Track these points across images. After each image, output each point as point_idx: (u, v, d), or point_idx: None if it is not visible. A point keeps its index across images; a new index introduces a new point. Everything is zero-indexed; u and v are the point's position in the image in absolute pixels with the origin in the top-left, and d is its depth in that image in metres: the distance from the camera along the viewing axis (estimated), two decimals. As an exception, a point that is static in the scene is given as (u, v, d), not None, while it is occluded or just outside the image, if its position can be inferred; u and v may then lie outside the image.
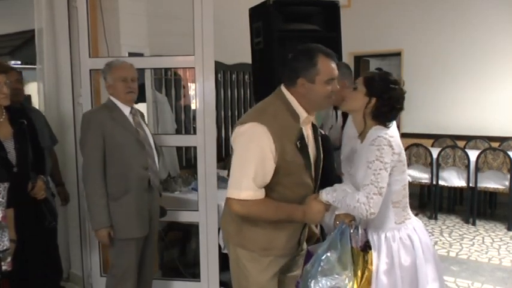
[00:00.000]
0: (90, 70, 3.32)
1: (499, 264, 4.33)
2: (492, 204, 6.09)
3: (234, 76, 5.60)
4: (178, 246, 4.33)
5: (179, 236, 4.34)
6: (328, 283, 1.88)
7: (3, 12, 6.06)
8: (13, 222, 2.35)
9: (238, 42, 4.14)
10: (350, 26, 5.61)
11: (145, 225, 2.78)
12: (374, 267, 1.92)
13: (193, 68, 3.22)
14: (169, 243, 4.12)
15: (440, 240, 5.04)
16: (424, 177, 5.86)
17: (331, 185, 2.04)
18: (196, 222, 3.35)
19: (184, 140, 4.03)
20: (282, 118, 1.89)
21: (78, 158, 3.28)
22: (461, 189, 6.01)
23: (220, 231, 2.88)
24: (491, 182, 5.47)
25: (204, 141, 3.22)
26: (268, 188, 1.89)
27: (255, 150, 1.82)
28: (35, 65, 3.82)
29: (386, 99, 1.94)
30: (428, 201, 6.20)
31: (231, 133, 2.02)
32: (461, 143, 6.32)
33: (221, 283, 3.33)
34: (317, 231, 2.55)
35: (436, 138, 6.73)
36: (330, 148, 2.52)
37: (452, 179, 5.69)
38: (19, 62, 5.83)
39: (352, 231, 1.96)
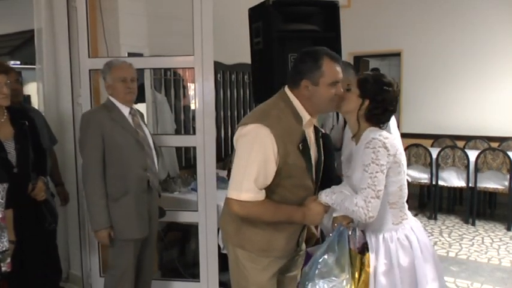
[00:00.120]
0: (90, 70, 3.32)
1: (499, 265, 4.33)
2: (492, 204, 6.09)
3: (233, 76, 5.60)
4: (177, 247, 4.33)
5: (178, 237, 4.34)
6: (326, 285, 1.88)
7: (2, 12, 6.05)
8: (12, 223, 2.35)
9: (237, 42, 4.13)
10: (350, 26, 5.63)
11: (144, 227, 2.78)
12: (371, 269, 1.92)
13: (193, 68, 3.21)
14: (169, 243, 4.12)
15: (440, 240, 5.04)
16: (423, 177, 5.87)
17: (331, 184, 2.04)
18: (195, 223, 3.35)
19: (183, 140, 4.02)
20: (286, 120, 1.89)
21: (77, 158, 3.27)
22: (460, 189, 6.01)
23: (220, 232, 2.88)
24: (490, 182, 5.48)
25: (203, 141, 3.22)
26: (269, 190, 1.88)
27: (258, 152, 1.82)
28: (34, 65, 3.81)
29: (379, 101, 1.93)
30: (428, 201, 6.20)
31: (231, 133, 2.02)
32: (460, 143, 6.32)
33: (220, 283, 3.33)
34: (316, 232, 2.55)
35: (436, 138, 6.73)
36: (330, 147, 2.52)
37: (452, 179, 5.69)
38: (18, 62, 5.83)
39: (350, 233, 1.96)
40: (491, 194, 5.97)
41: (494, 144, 6.10)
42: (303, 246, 2.24)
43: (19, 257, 2.54)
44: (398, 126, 2.70)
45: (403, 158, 2.49)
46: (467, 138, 6.49)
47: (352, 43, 6.36)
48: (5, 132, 2.65)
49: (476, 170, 5.46)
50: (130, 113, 2.77)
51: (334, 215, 1.99)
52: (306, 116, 1.93)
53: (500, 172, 5.36)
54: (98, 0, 3.48)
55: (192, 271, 3.69)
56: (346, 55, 6.94)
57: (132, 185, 2.69)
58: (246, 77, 5.77)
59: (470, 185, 5.55)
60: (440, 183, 5.77)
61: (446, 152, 5.68)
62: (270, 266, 2.02)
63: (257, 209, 1.85)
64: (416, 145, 5.89)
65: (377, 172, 1.81)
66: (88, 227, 3.32)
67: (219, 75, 5.25)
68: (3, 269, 2.24)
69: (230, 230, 2.07)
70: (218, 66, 4.80)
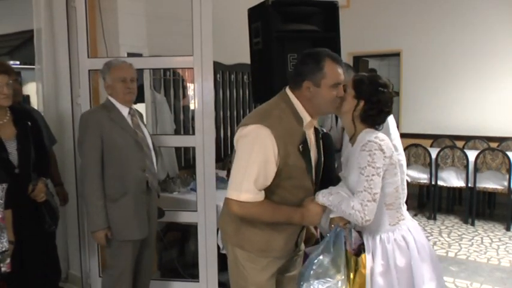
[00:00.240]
0: (89, 70, 3.32)
1: (498, 265, 4.33)
2: (491, 204, 6.09)
3: (232, 76, 5.60)
4: (177, 247, 4.33)
5: (178, 237, 4.34)
6: (320, 286, 1.88)
7: (2, 13, 6.05)
8: (11, 224, 2.35)
9: (237, 43, 4.13)
10: (349, 26, 5.62)
11: (143, 227, 2.77)
12: (368, 270, 1.92)
13: (192, 68, 3.21)
14: (168, 243, 4.12)
15: (439, 240, 5.04)
16: (423, 177, 5.87)
17: (331, 184, 2.04)
18: (195, 223, 3.35)
19: (183, 141, 4.03)
20: (286, 121, 1.89)
21: (76, 158, 3.28)
22: (460, 189, 6.01)
23: (219, 232, 2.88)
24: (490, 182, 5.48)
25: (202, 141, 3.22)
26: (269, 191, 1.89)
27: (258, 153, 1.82)
28: (33, 65, 3.81)
29: (374, 102, 1.93)
30: (427, 201, 6.20)
31: (230, 133, 2.02)
32: (460, 143, 6.32)
33: (220, 283, 3.33)
34: (315, 232, 2.55)
35: (435, 138, 6.73)
36: (331, 147, 2.52)
37: (451, 179, 5.69)
38: (18, 62, 5.82)
39: (346, 234, 1.96)
40: (491, 194, 5.98)
41: (494, 145, 6.11)
42: (302, 246, 2.24)
43: (18, 257, 2.54)
44: (397, 127, 2.70)
45: (402, 158, 2.49)
46: (467, 139, 6.49)
47: (351, 43, 6.36)
48: (7, 132, 2.65)
49: (476, 170, 5.46)
50: (129, 113, 2.77)
51: (331, 216, 1.99)
52: (306, 117, 1.93)
53: (500, 172, 5.36)
54: (97, 0, 3.47)
55: (191, 271, 3.70)
56: (346, 55, 6.94)
57: (131, 185, 2.69)
58: (245, 77, 5.77)
59: (469, 185, 5.55)
60: (440, 183, 5.77)
61: (446, 152, 5.68)
62: (269, 266, 2.03)
63: (256, 209, 1.85)
64: (415, 145, 5.89)
65: (373, 175, 1.81)
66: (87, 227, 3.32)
67: (218, 76, 5.26)
68: (2, 269, 2.24)
69: (229, 230, 2.07)
70: (217, 67, 4.81)
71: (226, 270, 2.18)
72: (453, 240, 5.05)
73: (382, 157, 1.83)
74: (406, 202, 2.36)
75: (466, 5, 6.52)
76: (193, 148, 3.33)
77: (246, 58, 3.32)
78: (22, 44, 6.10)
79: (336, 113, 2.20)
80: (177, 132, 4.75)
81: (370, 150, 1.83)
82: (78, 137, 2.74)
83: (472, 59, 6.52)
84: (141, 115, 2.96)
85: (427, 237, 5.02)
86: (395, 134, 2.52)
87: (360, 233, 2.00)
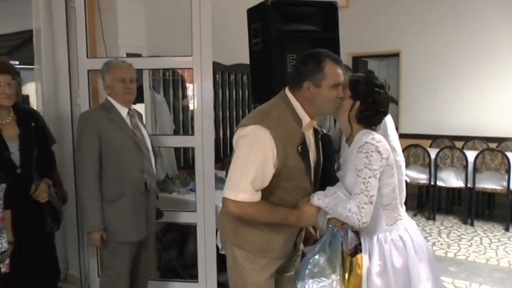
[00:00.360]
0: (88, 70, 3.31)
1: (497, 265, 4.34)
2: (490, 204, 6.09)
3: (232, 77, 5.60)
4: (176, 247, 4.33)
5: (177, 237, 4.33)
6: (315, 285, 1.89)
7: (1, 13, 6.05)
8: (10, 224, 2.35)
9: (236, 43, 4.13)
10: (348, 26, 5.61)
11: (141, 229, 2.76)
12: (365, 270, 1.92)
13: (191, 68, 3.21)
14: (167, 244, 4.11)
15: (439, 241, 5.04)
16: (422, 177, 5.87)
17: (330, 185, 2.04)
18: (194, 223, 3.35)
19: (182, 141, 4.02)
20: (286, 122, 1.89)
21: (76, 158, 3.27)
22: (459, 189, 6.01)
23: (218, 232, 2.88)
24: (489, 183, 5.48)
25: (202, 142, 3.22)
26: (268, 191, 1.89)
27: (257, 154, 1.82)
28: (33, 65, 3.80)
29: (370, 103, 1.93)
30: (427, 201, 6.20)
31: (230, 134, 2.02)
32: (459, 144, 6.32)
33: (219, 284, 3.33)
34: (314, 232, 2.55)
35: (434, 138, 6.73)
36: (331, 148, 2.52)
37: (451, 179, 5.69)
38: (17, 62, 5.81)
39: (343, 234, 1.96)
40: (490, 195, 5.98)
41: (493, 145, 6.11)
42: (301, 246, 2.24)
43: (19, 258, 2.54)
44: (396, 127, 2.70)
45: (401, 159, 2.49)
46: (466, 139, 6.49)
47: (350, 43, 6.37)
48: (10, 132, 2.64)
49: (475, 170, 5.46)
50: (128, 113, 2.75)
51: (329, 216, 1.99)
52: (306, 118, 1.94)
53: (499, 172, 5.37)
54: (97, 0, 3.47)
55: (190, 271, 3.69)
56: (345, 55, 6.94)
57: (129, 187, 2.68)
58: (244, 77, 5.77)
59: (468, 185, 5.55)
60: (439, 183, 5.77)
61: (445, 152, 5.68)
62: (267, 266, 2.03)
63: (252, 209, 1.86)
64: (414, 145, 5.89)
65: (370, 177, 1.81)
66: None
67: (217, 76, 5.26)
68: (2, 270, 2.24)
69: (228, 231, 2.07)
70: (217, 67, 4.81)
71: (225, 270, 2.18)
72: (452, 240, 5.05)
73: (379, 159, 1.83)
74: (406, 202, 2.36)
75: (466, 5, 6.52)
76: (193, 148, 3.33)
77: (245, 58, 3.32)
78: (21, 44, 6.10)
79: (334, 115, 2.20)
80: (176, 132, 4.75)
81: (367, 152, 1.83)
82: (77, 137, 2.74)
83: (472, 59, 6.52)
84: (140, 115, 2.96)
85: (426, 237, 5.06)
86: (393, 135, 2.52)
87: (357, 233, 2.00)
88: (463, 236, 5.19)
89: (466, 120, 6.59)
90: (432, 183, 5.78)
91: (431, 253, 2.08)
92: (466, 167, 5.51)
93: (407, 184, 5.88)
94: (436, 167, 5.71)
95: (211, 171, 3.25)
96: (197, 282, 3.37)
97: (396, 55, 7.25)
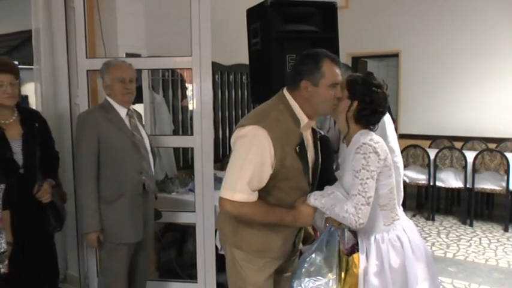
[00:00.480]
0: (87, 71, 3.31)
1: (496, 265, 4.34)
2: (489, 205, 6.10)
3: (231, 77, 5.60)
4: (175, 247, 4.32)
5: (176, 237, 4.33)
6: (311, 284, 1.89)
7: (0, 13, 6.04)
8: (9, 225, 2.34)
9: (235, 43, 4.13)
10: (348, 26, 5.62)
11: (138, 231, 2.75)
12: (361, 270, 1.92)
13: (191, 68, 3.21)
14: (167, 244, 4.11)
15: (438, 241, 5.04)
16: (421, 178, 5.87)
17: (329, 185, 2.04)
18: (193, 223, 3.35)
19: (181, 141, 4.02)
20: (284, 122, 1.89)
21: (74, 158, 3.26)
22: (458, 190, 6.02)
23: (217, 233, 2.88)
24: (488, 183, 5.48)
25: (201, 142, 3.22)
26: (265, 192, 1.89)
27: (254, 154, 1.82)
28: (32, 65, 3.80)
29: (368, 103, 1.93)
30: (426, 202, 6.21)
31: (229, 134, 2.02)
32: (458, 144, 6.33)
33: (218, 284, 3.33)
34: (313, 232, 2.55)
35: (434, 139, 6.74)
36: (329, 149, 2.52)
37: (450, 180, 5.70)
38: (16, 63, 5.80)
39: (340, 233, 1.96)
40: (489, 195, 5.98)
41: (492, 145, 6.12)
42: (300, 246, 2.24)
43: (20, 258, 2.53)
44: (396, 128, 2.69)
45: (399, 160, 2.49)
46: (465, 139, 6.49)
47: (350, 44, 6.38)
48: (13, 132, 2.64)
49: (474, 170, 5.46)
50: (127, 114, 2.74)
51: (326, 215, 1.99)
52: (304, 119, 1.94)
53: (498, 173, 5.37)
54: (96, 0, 3.47)
55: (189, 272, 3.69)
56: (344, 56, 6.95)
57: (127, 188, 2.67)
58: (244, 77, 5.77)
59: (467, 185, 5.56)
60: (438, 184, 5.77)
61: (444, 152, 5.69)
62: (266, 266, 2.03)
63: (249, 209, 1.86)
64: (414, 146, 5.89)
65: (367, 178, 1.81)
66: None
67: (217, 76, 5.26)
68: (2, 270, 2.24)
69: (227, 231, 2.07)
70: (216, 67, 4.81)
71: (224, 270, 2.18)
72: (451, 241, 5.06)
73: (376, 160, 1.83)
74: (405, 203, 2.36)
75: (466, 5, 6.52)
76: (192, 149, 3.33)
77: (244, 59, 3.32)
78: (20, 44, 6.09)
79: (332, 116, 2.19)
80: (175, 132, 4.74)
81: (365, 153, 1.83)
82: (75, 137, 2.74)
83: (471, 59, 6.52)
84: (140, 116, 2.95)
85: (425, 237, 5.06)
86: (392, 135, 2.51)
87: (354, 233, 2.00)
88: (462, 237, 5.19)
89: (465, 120, 6.59)
90: (431, 183, 5.78)
91: (429, 253, 2.08)
92: (465, 167, 5.51)
93: (406, 184, 5.92)
94: (436, 167, 5.72)
95: (210, 172, 3.25)
96: (196, 282, 3.37)
97: (396, 55, 7.25)
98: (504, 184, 5.34)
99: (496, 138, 6.30)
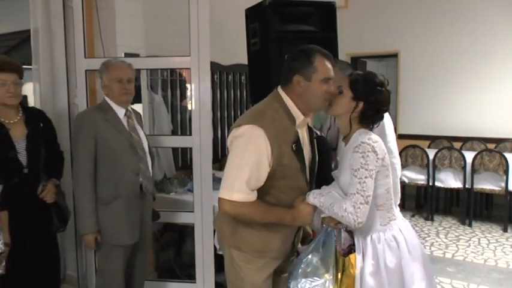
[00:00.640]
0: (86, 71, 3.30)
1: (495, 266, 4.34)
2: (488, 205, 6.09)
3: (230, 77, 5.59)
4: (173, 248, 4.31)
5: (175, 237, 4.32)
6: (308, 284, 1.89)
7: (-1, 12, 6.04)
8: (7, 225, 2.34)
9: (234, 43, 4.13)
10: (347, 26, 5.62)
11: (134, 233, 2.73)
12: (358, 270, 1.92)
13: (189, 68, 3.21)
14: (165, 244, 4.11)
15: (437, 241, 5.04)
16: (420, 178, 5.87)
17: (327, 184, 2.04)
18: (192, 224, 3.34)
19: (180, 141, 4.02)
20: (280, 120, 1.89)
21: (72, 159, 3.26)
22: (457, 190, 6.02)
23: (216, 233, 2.87)
24: (487, 184, 5.48)
25: (199, 142, 3.22)
26: (263, 191, 1.89)
27: (251, 153, 1.82)
28: (30, 65, 3.79)
29: (372, 102, 1.92)
30: (425, 202, 6.20)
31: (227, 134, 2.02)
32: (457, 145, 6.33)
33: (216, 284, 3.32)
34: (311, 232, 2.55)
35: (433, 139, 6.74)
36: (327, 149, 2.51)
37: (449, 180, 5.70)
38: (18, 62, 5.79)
39: (336, 234, 1.96)
40: (488, 195, 5.98)
41: (491, 146, 6.12)
42: (299, 246, 2.24)
43: (22, 258, 2.53)
44: (395, 128, 2.69)
45: (397, 161, 2.49)
46: (464, 140, 6.50)
47: (349, 44, 6.37)
48: (18, 131, 2.63)
49: (473, 171, 5.46)
50: (125, 114, 2.73)
51: (323, 215, 1.99)
52: (299, 116, 1.94)
53: (497, 173, 5.37)
54: (95, 0, 3.46)
55: (188, 272, 3.69)
56: (344, 56, 6.94)
57: (124, 189, 2.65)
58: (242, 77, 5.76)
59: (467, 186, 5.56)
60: (437, 184, 5.77)
61: (443, 153, 5.69)
62: (265, 266, 2.03)
63: (247, 209, 1.86)
64: (413, 146, 5.89)
65: (366, 177, 1.81)
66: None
67: (215, 76, 5.26)
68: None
69: (226, 231, 2.07)
70: (215, 67, 4.80)
71: (223, 270, 2.18)
72: (450, 241, 5.05)
73: (375, 159, 1.83)
74: (404, 203, 2.36)
75: (465, 6, 6.52)
76: (191, 149, 3.33)
77: (243, 59, 3.32)
78: (19, 44, 6.07)
79: (326, 111, 2.17)
80: (174, 132, 4.74)
81: (364, 152, 1.82)
82: (73, 138, 2.73)
83: (470, 60, 6.52)
84: (139, 116, 2.93)
85: (424, 238, 5.06)
86: (391, 135, 2.51)
87: (350, 233, 1.99)
88: (461, 237, 5.19)
89: (464, 121, 6.60)
90: (430, 183, 5.78)
91: (425, 253, 2.08)
92: (464, 167, 5.51)
93: (405, 185, 5.92)
94: (435, 167, 5.72)
95: (209, 172, 3.25)
96: (195, 282, 3.36)
97: (395, 55, 7.25)
98: (503, 184, 5.34)
99: (495, 138, 6.30)
